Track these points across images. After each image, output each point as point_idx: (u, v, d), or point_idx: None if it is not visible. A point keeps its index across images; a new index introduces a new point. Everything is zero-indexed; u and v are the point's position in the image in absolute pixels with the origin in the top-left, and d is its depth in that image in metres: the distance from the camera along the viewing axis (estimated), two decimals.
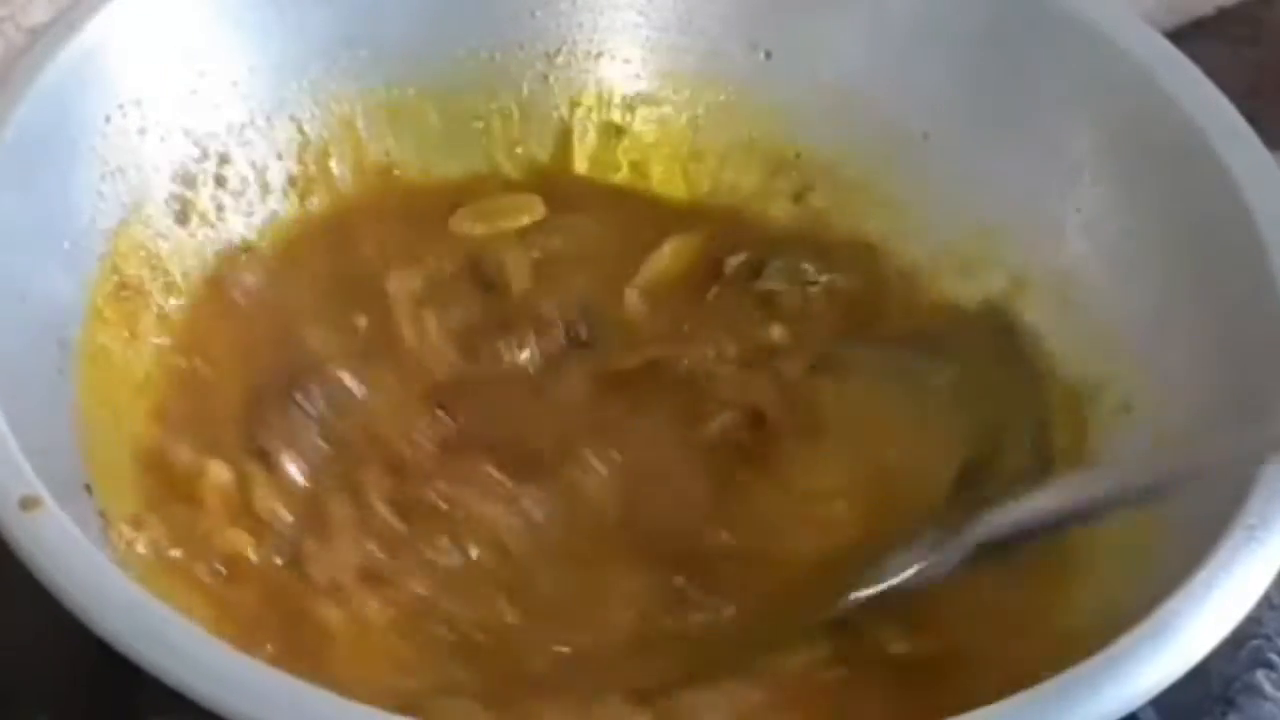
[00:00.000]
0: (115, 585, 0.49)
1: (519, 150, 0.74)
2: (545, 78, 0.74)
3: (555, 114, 0.75)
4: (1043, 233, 0.68)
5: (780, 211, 0.74)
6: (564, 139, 0.75)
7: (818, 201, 0.73)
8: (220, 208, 0.68)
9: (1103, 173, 0.67)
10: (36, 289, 0.59)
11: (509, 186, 0.74)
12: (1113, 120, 0.67)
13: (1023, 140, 0.69)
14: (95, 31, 0.64)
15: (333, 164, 0.71)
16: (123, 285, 0.64)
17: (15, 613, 0.59)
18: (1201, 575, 0.52)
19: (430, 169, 0.73)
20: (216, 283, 0.67)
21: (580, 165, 0.75)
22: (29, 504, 0.50)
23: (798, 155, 0.74)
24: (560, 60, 0.74)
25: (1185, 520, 0.56)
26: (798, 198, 0.73)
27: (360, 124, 0.72)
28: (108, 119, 0.64)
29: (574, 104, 0.75)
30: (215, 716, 0.47)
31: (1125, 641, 0.50)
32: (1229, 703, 0.63)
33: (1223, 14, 0.83)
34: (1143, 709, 0.49)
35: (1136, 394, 0.63)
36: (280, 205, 0.70)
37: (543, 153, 0.75)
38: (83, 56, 0.63)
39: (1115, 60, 0.67)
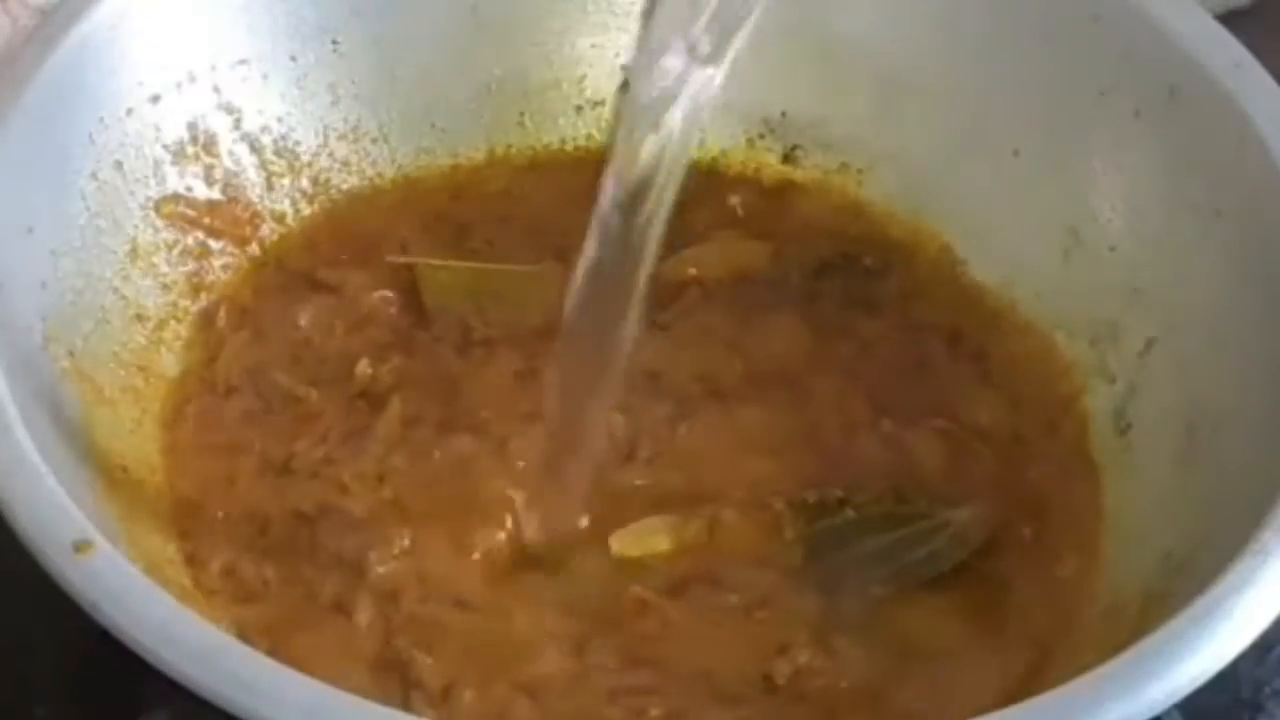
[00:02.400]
0: (185, 626, 0.48)
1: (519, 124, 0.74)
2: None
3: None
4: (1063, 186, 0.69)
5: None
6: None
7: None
8: (225, 201, 0.68)
9: (1126, 130, 0.67)
10: (37, 287, 0.59)
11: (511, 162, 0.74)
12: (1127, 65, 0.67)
13: (1043, 94, 0.69)
14: (98, 19, 0.63)
15: (338, 159, 0.71)
16: (128, 278, 0.63)
17: (14, 604, 0.59)
18: (1231, 577, 0.51)
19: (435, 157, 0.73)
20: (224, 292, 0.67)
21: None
22: (82, 548, 0.49)
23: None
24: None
25: (1219, 518, 0.56)
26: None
27: (367, 122, 0.72)
28: (111, 110, 0.64)
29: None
30: (213, 708, 0.46)
31: (1152, 641, 0.49)
32: (1258, 708, 0.62)
33: (1260, 4, 0.82)
34: (1168, 712, 0.48)
35: (1158, 335, 0.65)
36: (285, 202, 0.70)
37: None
38: (85, 46, 0.63)
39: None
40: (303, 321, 0.67)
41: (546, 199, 0.73)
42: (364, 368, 0.65)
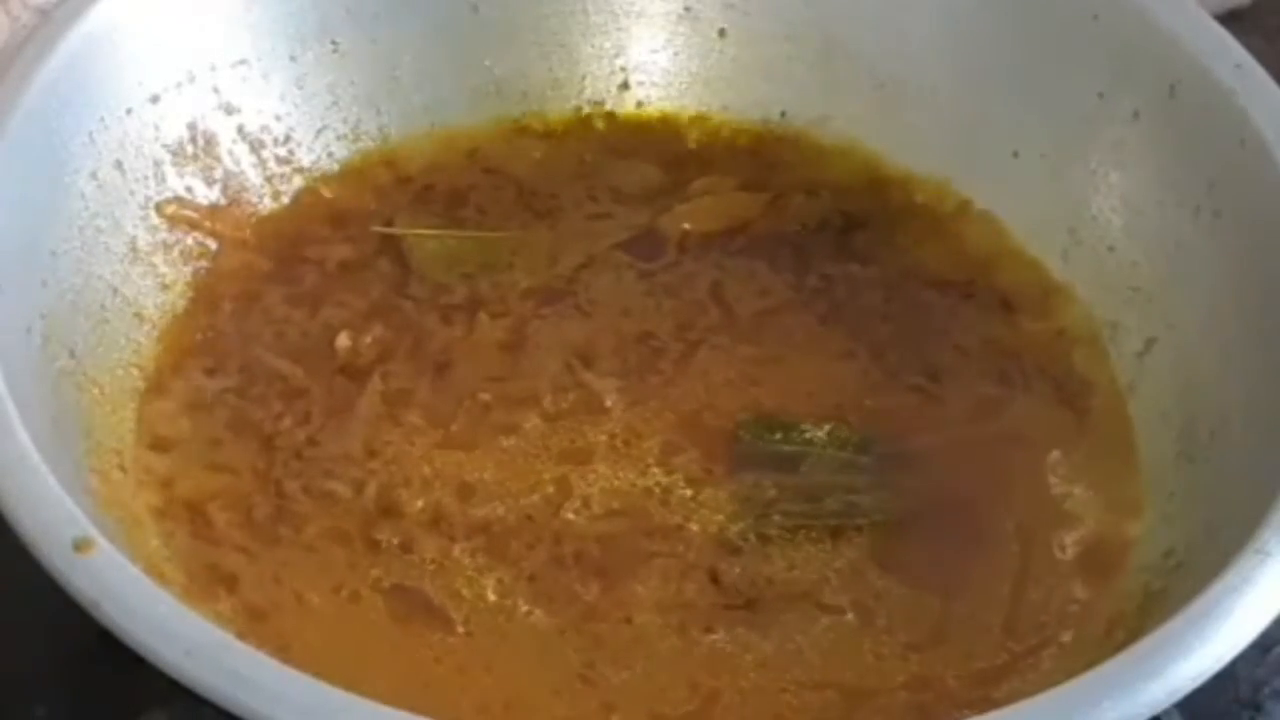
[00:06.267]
0: (184, 624, 0.48)
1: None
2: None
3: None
4: (1068, 187, 0.69)
5: None
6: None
7: None
8: (225, 204, 0.68)
9: (1125, 133, 0.67)
10: (38, 287, 0.59)
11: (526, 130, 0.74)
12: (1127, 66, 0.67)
13: (1043, 100, 0.70)
14: (98, 19, 0.63)
15: (337, 160, 0.71)
16: (128, 278, 0.63)
17: (12, 605, 0.58)
18: (1231, 577, 0.51)
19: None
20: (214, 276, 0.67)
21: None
22: (82, 547, 0.49)
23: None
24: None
25: (1218, 518, 0.56)
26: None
27: (367, 122, 0.72)
28: (111, 110, 0.64)
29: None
30: (213, 707, 0.46)
31: (1152, 641, 0.49)
32: (1256, 708, 0.62)
33: (1260, 4, 0.82)
34: (1168, 712, 0.48)
35: (1158, 335, 0.65)
36: (284, 200, 0.70)
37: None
38: (85, 45, 0.63)
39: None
40: (287, 298, 0.67)
41: (536, 165, 0.73)
42: (344, 340, 0.65)
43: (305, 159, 0.70)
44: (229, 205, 0.68)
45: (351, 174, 0.71)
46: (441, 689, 0.56)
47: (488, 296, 0.68)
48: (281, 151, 0.70)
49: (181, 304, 0.65)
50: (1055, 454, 0.64)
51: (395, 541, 0.60)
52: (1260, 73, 0.64)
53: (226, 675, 0.46)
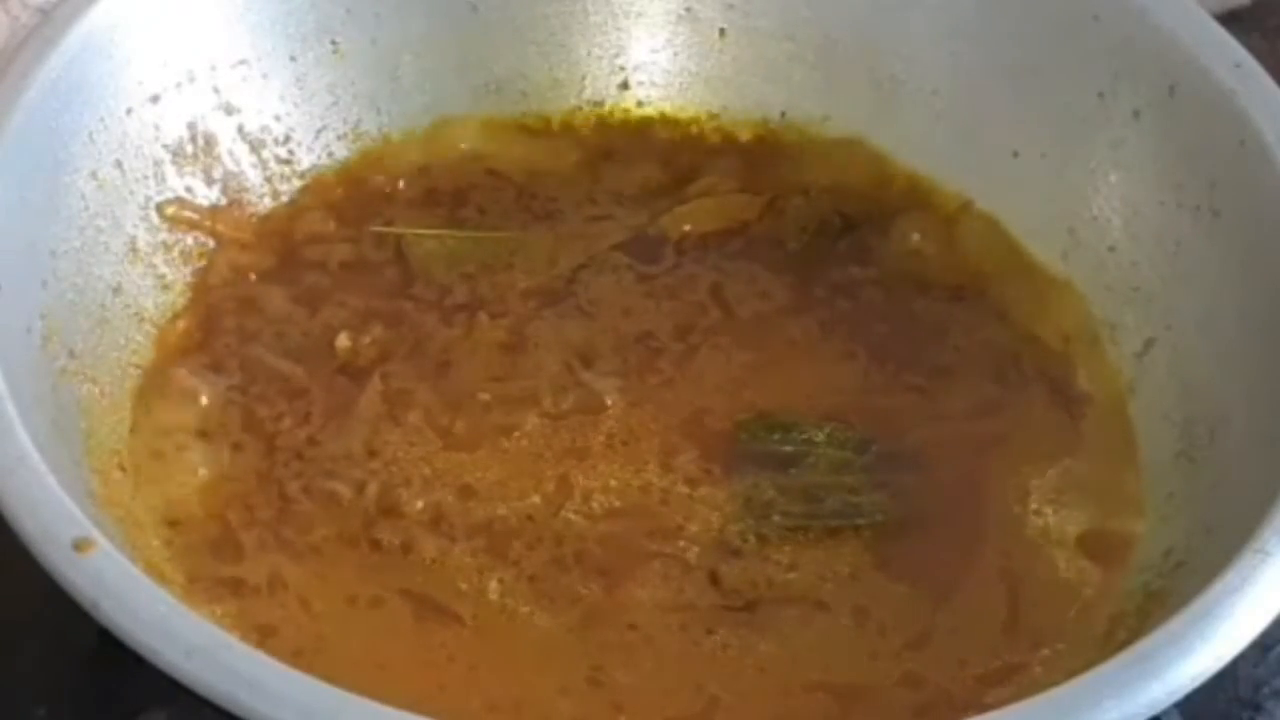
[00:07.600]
0: (184, 623, 0.48)
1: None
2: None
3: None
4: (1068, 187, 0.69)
5: None
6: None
7: None
8: (226, 205, 0.68)
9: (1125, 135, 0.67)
10: (38, 287, 0.59)
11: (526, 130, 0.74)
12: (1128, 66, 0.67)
13: (1044, 103, 0.69)
14: (98, 19, 0.63)
15: (337, 160, 0.71)
16: (128, 278, 0.63)
17: (12, 605, 0.59)
18: (1231, 576, 0.51)
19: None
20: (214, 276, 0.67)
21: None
22: (82, 546, 0.48)
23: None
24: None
25: (1218, 518, 0.57)
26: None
27: (367, 122, 0.72)
28: (111, 110, 0.64)
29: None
30: (213, 707, 0.46)
31: (1152, 641, 0.49)
32: (1257, 708, 0.62)
33: (1259, 4, 0.82)
34: (1168, 712, 0.48)
35: (1158, 335, 0.65)
36: (284, 200, 0.70)
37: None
38: (85, 45, 0.63)
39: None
40: (287, 298, 0.67)
41: (536, 165, 0.73)
42: (344, 340, 0.65)
43: (305, 159, 0.70)
44: (229, 205, 0.68)
45: (351, 174, 0.71)
46: (454, 689, 0.56)
47: (488, 296, 0.68)
48: (281, 151, 0.70)
49: (181, 304, 0.66)
50: (1054, 454, 0.64)
51: (396, 542, 0.60)
52: (1260, 73, 0.64)
53: (227, 675, 0.46)
